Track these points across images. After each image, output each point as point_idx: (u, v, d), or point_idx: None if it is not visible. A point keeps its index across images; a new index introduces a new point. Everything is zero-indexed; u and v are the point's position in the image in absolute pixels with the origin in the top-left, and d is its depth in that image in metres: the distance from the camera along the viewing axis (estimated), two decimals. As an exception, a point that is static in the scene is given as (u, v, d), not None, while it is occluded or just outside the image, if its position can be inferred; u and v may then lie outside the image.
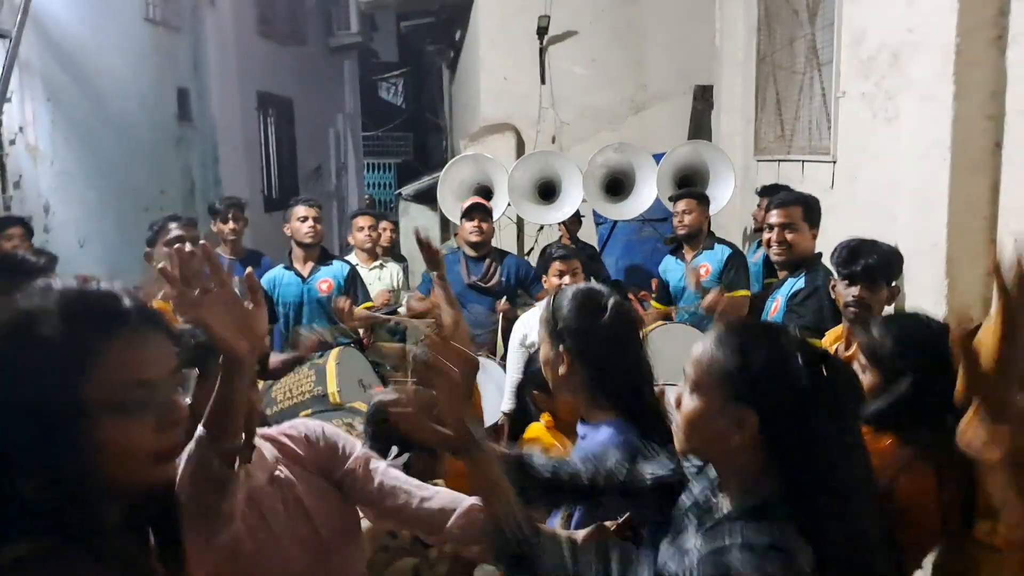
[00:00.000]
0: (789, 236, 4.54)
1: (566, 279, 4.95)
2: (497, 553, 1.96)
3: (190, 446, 1.88)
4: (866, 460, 1.84)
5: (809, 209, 4.62)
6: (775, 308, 4.57)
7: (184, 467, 1.87)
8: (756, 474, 1.81)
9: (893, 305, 4.03)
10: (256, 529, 2.22)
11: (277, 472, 2.32)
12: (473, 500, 2.35)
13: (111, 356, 1.38)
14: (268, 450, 2.32)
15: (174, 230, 4.47)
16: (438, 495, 2.42)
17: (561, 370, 2.53)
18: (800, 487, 1.76)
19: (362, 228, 6.91)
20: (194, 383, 1.75)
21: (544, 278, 5.24)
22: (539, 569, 1.91)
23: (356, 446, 2.51)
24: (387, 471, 2.46)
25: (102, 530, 1.40)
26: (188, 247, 1.85)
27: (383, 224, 7.86)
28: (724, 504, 1.89)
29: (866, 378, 2.74)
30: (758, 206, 6.41)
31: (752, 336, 1.88)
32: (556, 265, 5.10)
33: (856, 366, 2.80)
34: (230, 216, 6.40)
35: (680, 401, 1.91)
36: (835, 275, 3.88)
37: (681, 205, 6.15)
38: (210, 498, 1.91)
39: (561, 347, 2.52)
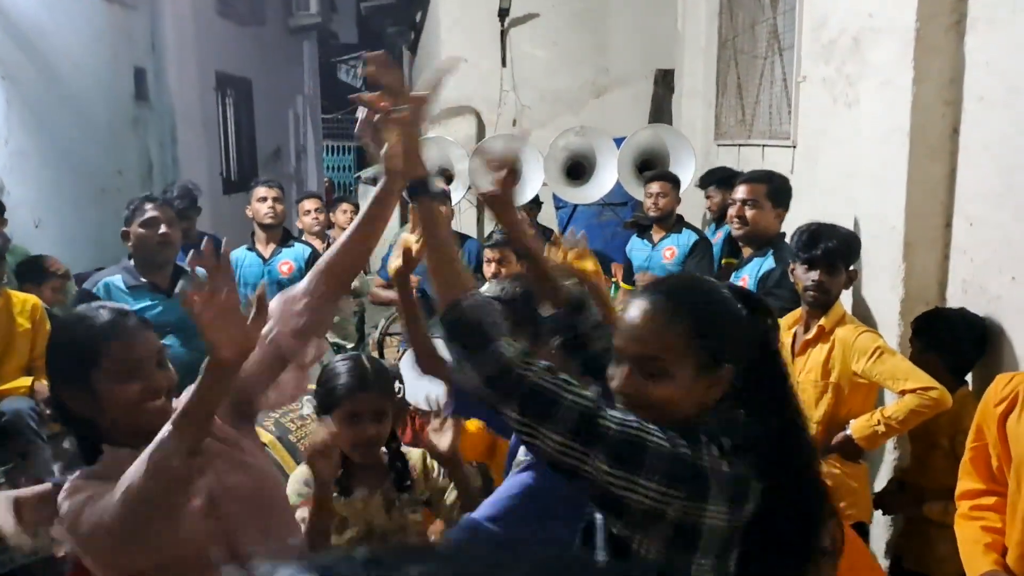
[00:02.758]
0: (749, 213, 4.55)
1: (496, 268, 4.89)
2: (444, 319, 1.81)
3: (154, 443, 1.89)
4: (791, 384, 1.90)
5: (775, 188, 4.63)
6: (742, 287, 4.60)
7: (144, 462, 1.88)
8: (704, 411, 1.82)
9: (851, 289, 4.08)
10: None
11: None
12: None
13: None
14: None
15: (149, 211, 4.48)
16: None
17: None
18: (764, 422, 1.80)
19: (308, 212, 6.88)
20: None
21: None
22: (488, 349, 1.73)
23: None
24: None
25: None
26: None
27: (343, 206, 7.85)
28: None
29: None
30: (705, 196, 6.48)
31: (702, 297, 1.85)
32: (486, 253, 5.03)
33: None
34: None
35: (637, 386, 1.79)
36: (794, 259, 3.91)
37: (655, 187, 6.15)
38: (174, 489, 1.92)
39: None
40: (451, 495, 3.03)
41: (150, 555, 1.98)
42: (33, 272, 5.83)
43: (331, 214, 7.83)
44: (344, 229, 7.43)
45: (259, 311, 1.96)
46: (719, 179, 6.24)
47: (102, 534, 1.92)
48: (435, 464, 3.06)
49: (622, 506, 1.70)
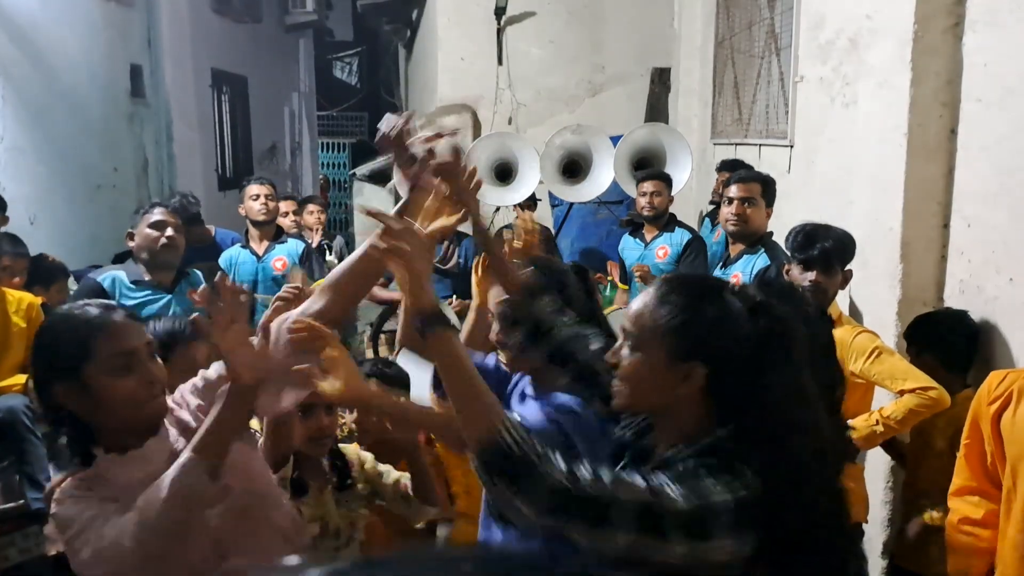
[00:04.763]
0: (748, 211, 4.64)
1: None
2: (486, 464, 1.75)
3: (174, 470, 1.93)
4: (814, 404, 1.85)
5: (767, 187, 4.73)
6: (735, 284, 4.59)
7: (166, 489, 1.91)
8: (698, 423, 1.81)
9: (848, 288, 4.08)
10: None
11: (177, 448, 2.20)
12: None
13: None
14: (171, 430, 2.23)
15: (158, 214, 4.61)
16: None
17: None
18: (749, 433, 1.76)
19: (286, 214, 6.76)
20: None
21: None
22: (531, 482, 1.69)
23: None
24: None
25: None
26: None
27: (310, 207, 7.83)
28: (663, 449, 1.88)
29: None
30: (719, 180, 6.46)
31: (695, 291, 1.87)
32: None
33: None
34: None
35: (620, 357, 1.89)
36: (790, 259, 3.91)
37: (649, 186, 6.14)
38: (194, 514, 1.98)
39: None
40: (390, 477, 3.08)
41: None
42: (41, 274, 5.81)
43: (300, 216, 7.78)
44: (312, 229, 7.48)
45: (264, 336, 2.05)
46: (739, 168, 6.20)
47: (116, 559, 1.93)
48: (368, 456, 3.12)
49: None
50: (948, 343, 3.69)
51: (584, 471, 1.71)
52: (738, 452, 1.74)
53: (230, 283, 2.00)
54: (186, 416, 2.25)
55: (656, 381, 1.83)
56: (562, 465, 1.71)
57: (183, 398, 2.30)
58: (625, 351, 1.88)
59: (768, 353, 1.78)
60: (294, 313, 2.28)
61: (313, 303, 2.29)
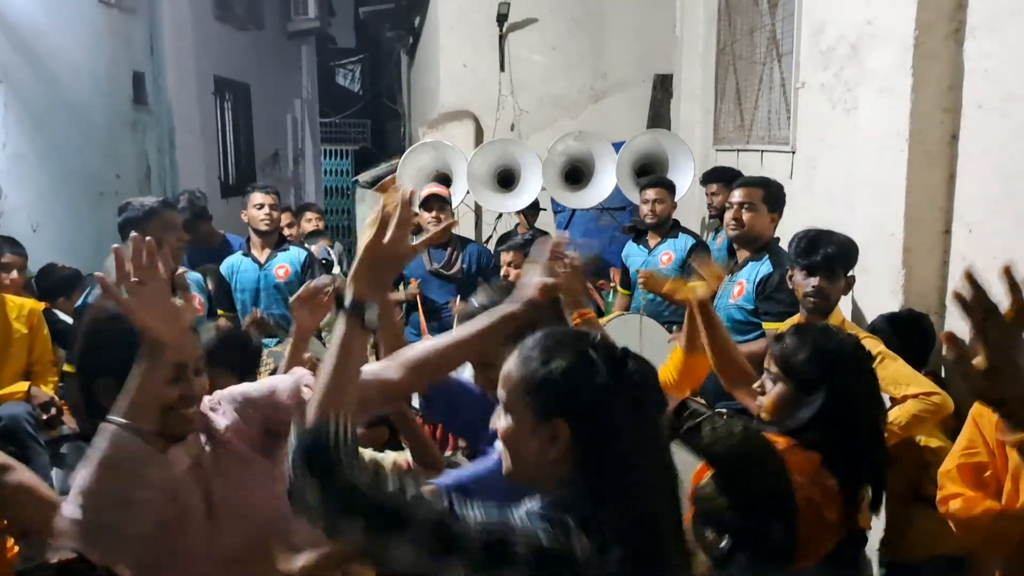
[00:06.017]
0: (746, 216, 4.60)
1: (513, 271, 4.91)
2: (299, 441, 1.69)
3: (100, 438, 1.87)
4: (663, 453, 1.80)
5: (771, 193, 4.66)
6: (739, 291, 4.58)
7: (95, 457, 1.86)
8: (565, 481, 1.74)
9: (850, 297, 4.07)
10: (173, 524, 2.12)
11: (201, 460, 2.21)
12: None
13: None
14: (200, 435, 2.22)
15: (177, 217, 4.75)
16: None
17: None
18: (598, 481, 1.70)
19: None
20: None
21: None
22: (330, 477, 1.64)
23: (285, 381, 2.35)
24: None
25: None
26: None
27: (307, 214, 7.84)
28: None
29: (777, 388, 2.79)
30: (707, 192, 6.48)
31: (550, 345, 1.79)
32: (502, 256, 5.10)
33: (766, 376, 2.84)
34: None
35: (498, 425, 1.82)
36: (793, 265, 3.91)
37: (651, 194, 6.12)
38: (132, 481, 1.90)
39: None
40: (387, 461, 3.16)
41: (116, 550, 1.96)
42: (62, 285, 5.82)
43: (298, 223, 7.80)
44: (311, 235, 7.46)
45: (185, 294, 1.98)
46: (723, 177, 6.22)
47: (67, 526, 1.89)
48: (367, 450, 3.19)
49: None
50: (905, 342, 3.70)
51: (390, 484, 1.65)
52: (583, 505, 1.69)
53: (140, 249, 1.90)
54: (219, 420, 2.25)
55: (528, 444, 1.76)
56: (365, 478, 1.65)
57: (221, 405, 2.28)
58: (501, 416, 1.81)
59: (619, 400, 1.72)
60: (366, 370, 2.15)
61: (388, 371, 2.20)
